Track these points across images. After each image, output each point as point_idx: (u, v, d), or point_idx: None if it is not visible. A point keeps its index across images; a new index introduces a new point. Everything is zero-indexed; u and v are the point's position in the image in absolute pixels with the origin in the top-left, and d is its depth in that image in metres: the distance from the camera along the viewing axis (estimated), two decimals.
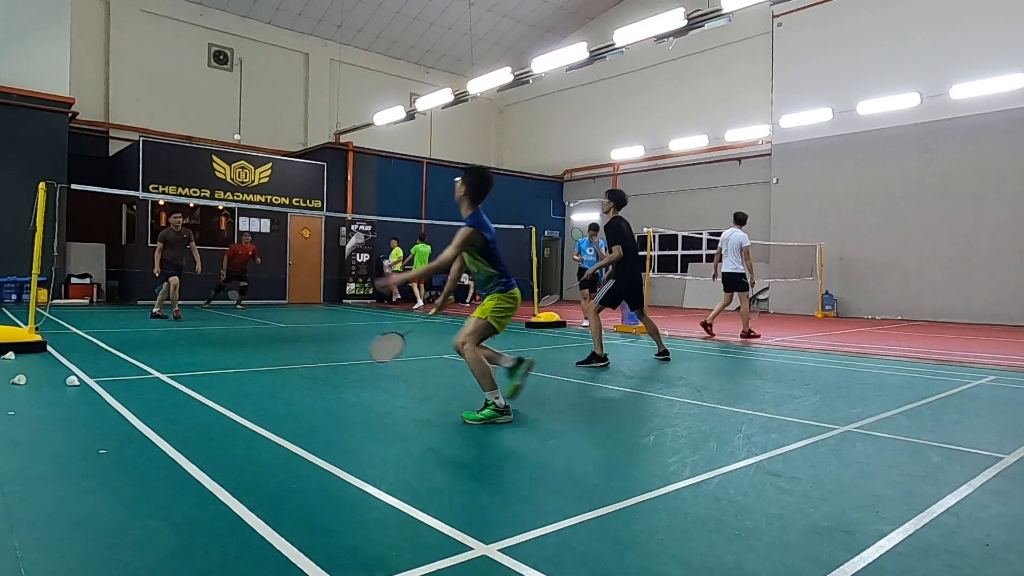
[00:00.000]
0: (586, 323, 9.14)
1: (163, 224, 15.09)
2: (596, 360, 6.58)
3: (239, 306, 13.78)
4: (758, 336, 9.72)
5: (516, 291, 4.16)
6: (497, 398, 3.93)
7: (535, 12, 21.55)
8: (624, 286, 6.89)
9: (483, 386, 3.95)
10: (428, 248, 15.79)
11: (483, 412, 3.92)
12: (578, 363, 6.63)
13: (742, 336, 9.63)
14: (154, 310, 10.89)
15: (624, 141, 20.96)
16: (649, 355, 7.67)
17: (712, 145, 18.59)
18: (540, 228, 21.01)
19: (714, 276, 10.29)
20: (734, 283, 9.89)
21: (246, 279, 13.77)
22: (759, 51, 17.77)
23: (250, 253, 13.60)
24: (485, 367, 3.97)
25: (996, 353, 8.25)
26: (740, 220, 10.02)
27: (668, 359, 6.99)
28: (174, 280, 10.77)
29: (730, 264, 9.85)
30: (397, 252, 16.64)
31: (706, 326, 9.98)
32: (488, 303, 4.09)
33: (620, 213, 6.95)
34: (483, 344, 4.16)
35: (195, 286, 14.83)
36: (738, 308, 10.08)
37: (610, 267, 7.00)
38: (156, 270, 10.72)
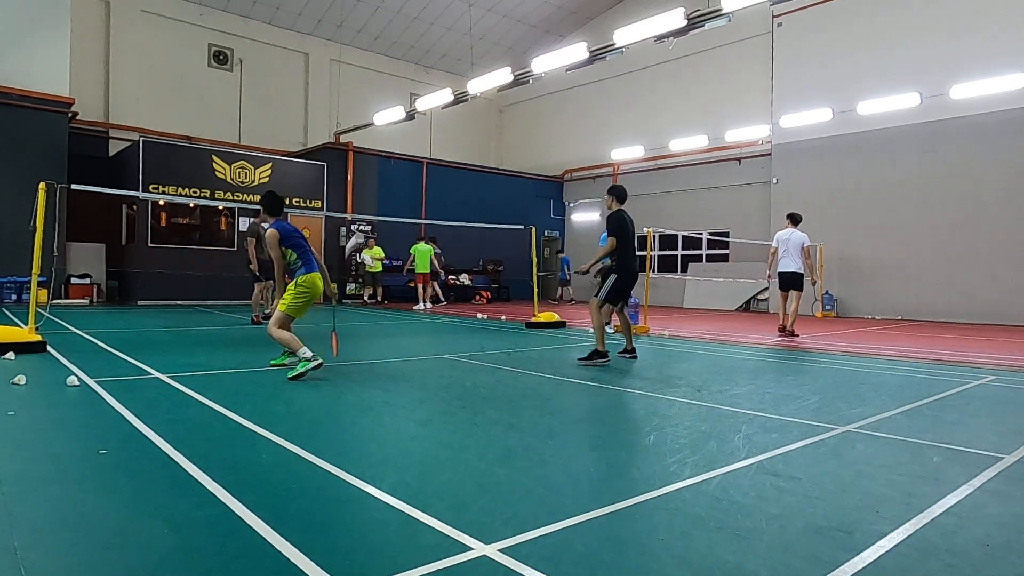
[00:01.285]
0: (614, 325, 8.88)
1: (163, 224, 15.16)
2: (598, 356, 6.55)
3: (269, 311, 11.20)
4: (797, 336, 9.84)
5: (307, 277, 5.50)
6: (303, 353, 5.13)
7: (535, 12, 21.56)
8: (626, 281, 6.81)
9: (293, 350, 5.27)
10: (428, 248, 15.70)
11: (297, 368, 5.13)
12: (579, 360, 6.62)
13: (781, 332, 9.90)
14: (255, 315, 10.44)
15: (624, 141, 20.97)
16: (650, 355, 7.67)
17: (712, 145, 18.59)
18: (540, 228, 21.03)
19: (769, 276, 10.52)
20: (795, 282, 10.05)
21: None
22: (759, 51, 17.77)
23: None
24: (286, 336, 5.32)
25: (996, 353, 8.25)
26: (796, 220, 10.15)
27: (635, 358, 7.01)
28: (262, 284, 10.34)
29: (792, 264, 10.00)
30: (378, 251, 16.59)
31: (787, 331, 9.94)
32: (287, 294, 5.49)
33: (622, 207, 6.91)
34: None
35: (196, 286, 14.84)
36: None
37: (610, 261, 6.94)
38: (252, 267, 10.12)
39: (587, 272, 7.62)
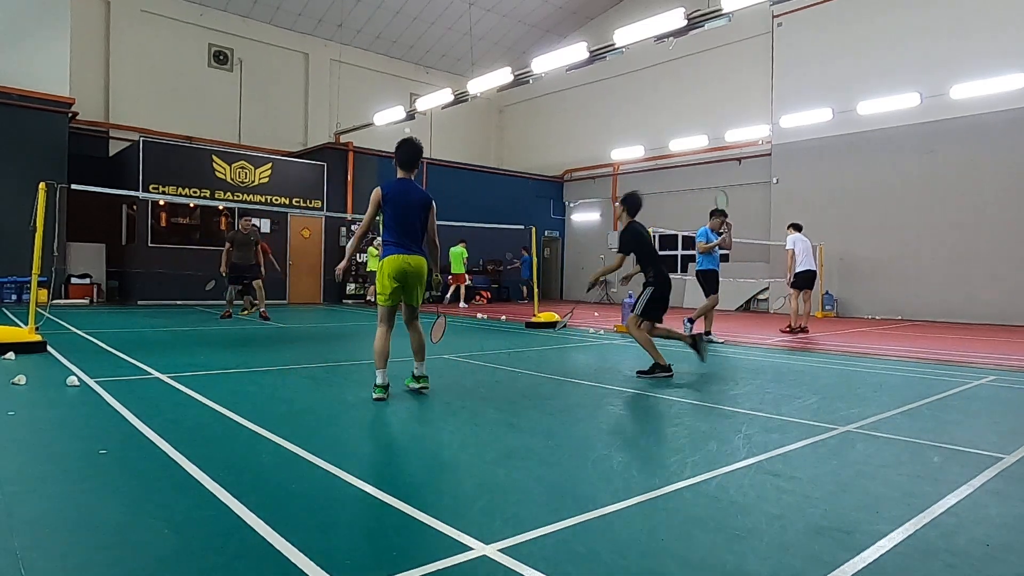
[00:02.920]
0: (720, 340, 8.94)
1: (163, 224, 15.16)
2: (660, 370, 5.97)
3: (245, 311, 12.14)
4: (808, 332, 10.29)
5: (385, 261, 4.62)
6: (377, 376, 4.50)
7: (535, 12, 21.55)
8: (661, 293, 6.21)
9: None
10: (461, 249, 16.28)
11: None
12: (639, 373, 6.05)
13: (792, 331, 10.22)
14: (228, 311, 11.16)
15: (624, 141, 20.96)
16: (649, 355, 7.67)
17: (712, 145, 18.59)
18: (540, 228, 21.01)
19: (790, 280, 10.73)
20: (813, 281, 10.69)
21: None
22: (759, 51, 17.76)
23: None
24: (376, 345, 4.57)
25: (996, 353, 8.24)
26: (799, 228, 10.87)
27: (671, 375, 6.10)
28: (257, 283, 10.99)
29: (813, 263, 10.66)
30: (372, 251, 16.81)
31: (802, 328, 10.33)
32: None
33: (635, 218, 6.43)
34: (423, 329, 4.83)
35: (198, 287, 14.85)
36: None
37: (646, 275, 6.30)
38: (222, 269, 10.92)
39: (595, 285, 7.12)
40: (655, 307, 6.20)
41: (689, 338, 6.37)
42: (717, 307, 9.81)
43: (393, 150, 4.80)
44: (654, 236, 10.08)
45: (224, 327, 9.92)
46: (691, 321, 9.40)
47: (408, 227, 4.61)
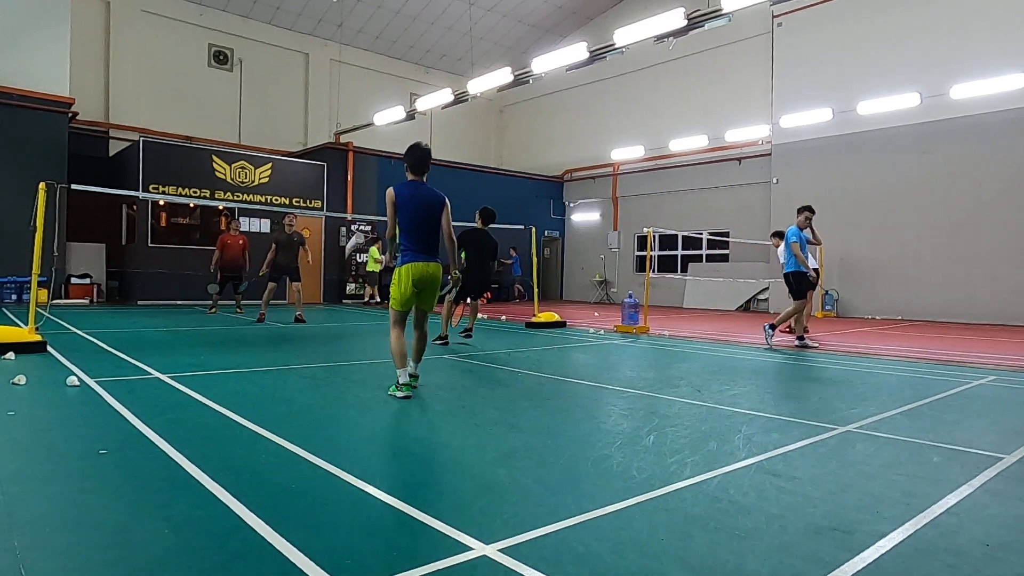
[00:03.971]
0: (799, 342, 8.62)
1: (163, 224, 15.16)
2: (439, 340, 7.92)
3: (238, 310, 12.62)
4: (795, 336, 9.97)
5: (403, 269, 4.62)
6: (399, 374, 4.57)
7: (535, 12, 21.55)
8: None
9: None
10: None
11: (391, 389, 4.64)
12: (434, 340, 7.87)
13: (800, 338, 9.77)
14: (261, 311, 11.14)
15: (624, 141, 20.96)
16: (650, 355, 7.68)
17: (712, 145, 18.59)
18: (540, 228, 21.02)
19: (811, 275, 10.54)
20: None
21: (241, 278, 12.30)
22: (759, 51, 17.76)
23: (241, 243, 12.19)
24: (392, 346, 4.67)
25: (996, 353, 8.25)
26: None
27: (446, 344, 7.94)
28: (297, 285, 11.15)
29: (815, 262, 10.61)
30: (373, 251, 16.88)
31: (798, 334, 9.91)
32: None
33: (487, 228, 8.36)
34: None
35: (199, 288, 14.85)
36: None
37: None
38: (263, 270, 10.95)
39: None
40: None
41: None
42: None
43: (403, 154, 4.82)
44: (654, 236, 10.09)
45: (224, 327, 9.91)
46: (772, 327, 8.80)
47: (424, 232, 4.63)
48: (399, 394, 4.55)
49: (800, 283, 8.69)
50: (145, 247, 14.65)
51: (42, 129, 13.95)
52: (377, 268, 16.87)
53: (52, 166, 13.58)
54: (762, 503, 2.60)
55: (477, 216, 8.53)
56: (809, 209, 9.11)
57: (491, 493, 2.74)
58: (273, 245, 10.94)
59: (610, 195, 21.90)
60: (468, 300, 8.90)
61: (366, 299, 17.39)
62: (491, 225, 8.50)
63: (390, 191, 4.67)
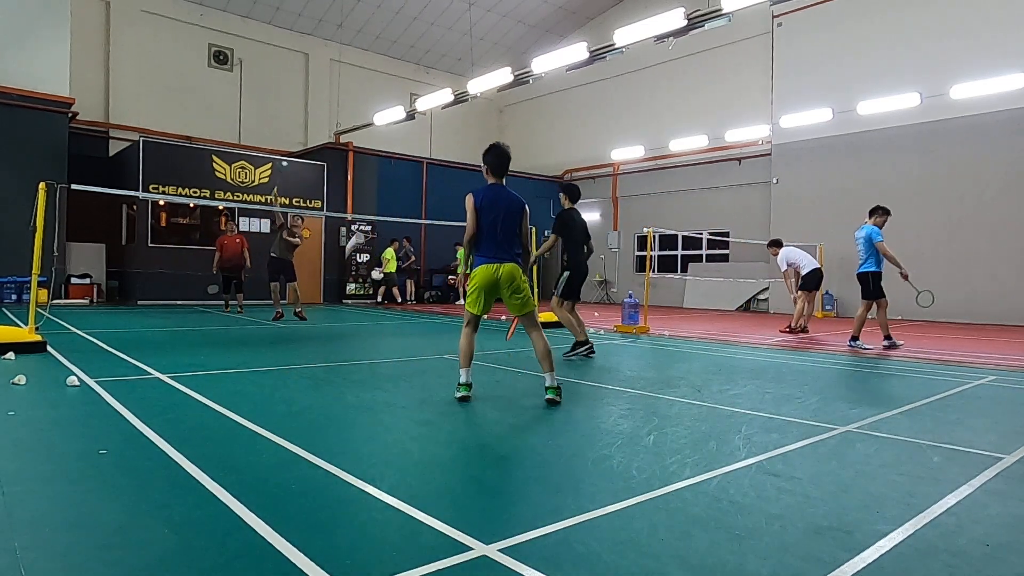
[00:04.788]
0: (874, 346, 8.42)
1: (163, 224, 15.16)
2: (580, 347, 6.99)
3: (239, 309, 12.91)
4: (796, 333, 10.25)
5: (476, 270, 4.59)
6: (460, 375, 4.62)
7: (535, 12, 21.55)
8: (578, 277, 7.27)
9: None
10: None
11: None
12: (564, 355, 6.93)
13: (794, 331, 10.26)
14: (296, 310, 11.30)
15: (624, 141, 20.96)
16: (650, 355, 7.68)
17: (712, 145, 18.59)
18: (540, 228, 21.01)
19: (796, 293, 10.63)
20: (821, 281, 10.89)
21: (239, 277, 12.65)
22: (759, 51, 17.76)
23: (238, 242, 12.53)
24: (460, 346, 4.69)
25: (996, 353, 8.25)
26: (781, 243, 10.82)
27: (593, 354, 7.15)
28: (293, 284, 11.23)
29: (816, 263, 10.72)
30: (388, 252, 17.01)
31: (799, 329, 10.33)
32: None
33: (575, 206, 7.31)
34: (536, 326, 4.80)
35: (197, 288, 14.86)
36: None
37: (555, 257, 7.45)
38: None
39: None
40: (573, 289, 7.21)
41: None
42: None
43: (481, 155, 4.71)
44: (654, 236, 10.13)
45: (224, 327, 9.91)
46: (855, 339, 8.55)
47: (500, 235, 4.53)
48: (457, 395, 4.59)
49: (877, 284, 8.63)
50: (145, 247, 14.66)
51: (42, 129, 13.95)
52: (393, 268, 17.11)
53: (52, 166, 13.58)
54: (762, 503, 2.60)
55: (563, 195, 7.31)
56: (887, 211, 9.10)
57: (491, 493, 2.74)
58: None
59: (610, 195, 21.90)
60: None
61: (379, 299, 17.50)
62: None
63: (470, 197, 4.55)
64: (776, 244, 10.74)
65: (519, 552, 2.07)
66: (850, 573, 1.99)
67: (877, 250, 8.48)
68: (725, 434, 3.74)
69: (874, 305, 8.61)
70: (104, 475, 2.83)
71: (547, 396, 4.53)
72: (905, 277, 8.29)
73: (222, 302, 13.37)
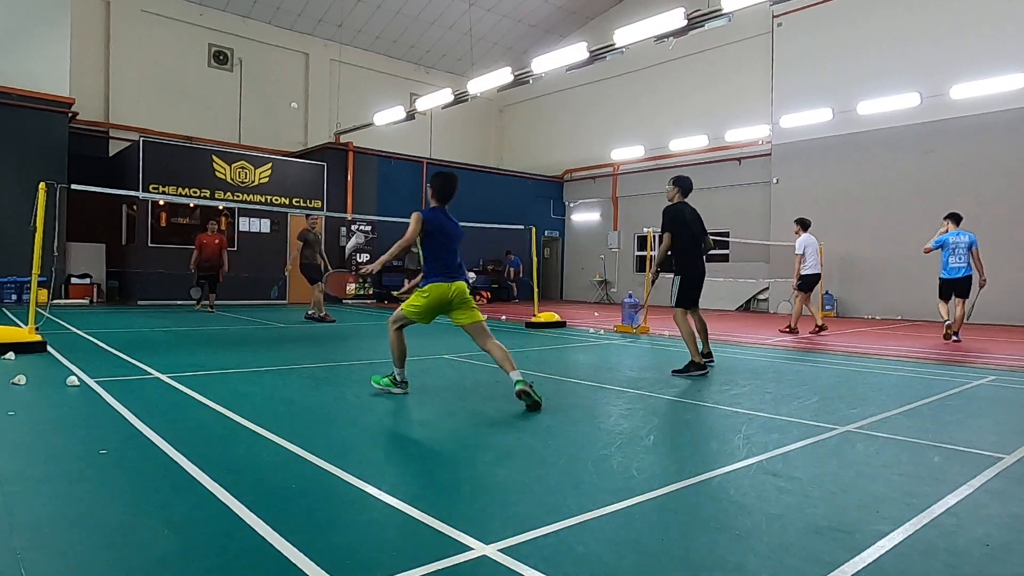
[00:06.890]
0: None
1: (163, 224, 15.16)
2: (694, 368, 5.91)
3: (210, 308, 12.80)
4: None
5: (431, 287, 4.63)
6: (399, 373, 4.75)
7: (535, 12, 21.55)
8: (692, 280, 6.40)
9: (393, 361, 4.76)
10: None
11: (384, 379, 4.80)
12: (673, 372, 6.00)
13: (794, 331, 10.30)
14: (318, 313, 11.43)
15: (624, 141, 20.96)
16: (650, 355, 7.68)
17: (712, 145, 18.59)
18: (540, 228, 21.01)
19: (797, 283, 10.60)
20: (816, 284, 10.83)
21: (216, 276, 12.69)
22: (759, 51, 17.76)
23: (217, 242, 12.59)
24: (396, 346, 4.74)
25: (996, 353, 8.24)
26: (958, 219, 9.73)
27: (712, 363, 6.39)
28: (320, 284, 11.40)
29: (819, 267, 10.71)
30: None
31: (796, 330, 10.39)
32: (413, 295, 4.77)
33: (686, 199, 6.53)
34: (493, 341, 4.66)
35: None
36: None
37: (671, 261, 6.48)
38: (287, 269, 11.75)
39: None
40: (688, 294, 6.38)
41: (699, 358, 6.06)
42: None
43: (429, 180, 4.92)
44: (654, 236, 10.07)
45: (224, 327, 9.91)
46: (956, 334, 9.32)
47: (451, 257, 4.76)
48: (396, 390, 4.77)
49: (970, 286, 9.30)
50: (145, 247, 14.65)
51: (42, 129, 13.94)
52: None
53: (52, 166, 13.58)
54: (762, 503, 2.60)
55: (674, 188, 6.55)
56: (958, 217, 9.51)
57: (491, 493, 2.74)
58: (301, 244, 11.42)
59: (610, 195, 21.90)
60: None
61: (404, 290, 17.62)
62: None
63: (419, 215, 4.68)
64: (803, 225, 10.72)
65: (519, 552, 2.07)
66: (850, 573, 1.99)
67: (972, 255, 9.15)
68: (725, 434, 3.74)
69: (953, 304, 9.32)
70: (104, 475, 2.83)
71: (516, 388, 4.29)
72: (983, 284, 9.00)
73: (194, 303, 13.19)
